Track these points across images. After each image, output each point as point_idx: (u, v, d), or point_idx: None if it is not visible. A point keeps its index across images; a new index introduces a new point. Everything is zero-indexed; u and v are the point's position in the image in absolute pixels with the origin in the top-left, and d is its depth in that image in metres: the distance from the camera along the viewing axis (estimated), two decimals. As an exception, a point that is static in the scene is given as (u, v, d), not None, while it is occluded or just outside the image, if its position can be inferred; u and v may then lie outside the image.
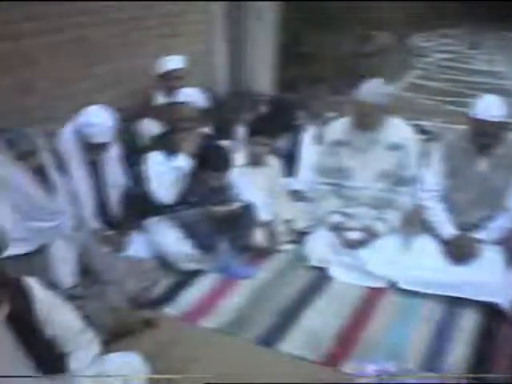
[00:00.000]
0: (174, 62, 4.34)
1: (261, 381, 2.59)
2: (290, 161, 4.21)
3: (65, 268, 2.94)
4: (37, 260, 2.89)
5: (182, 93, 3.57)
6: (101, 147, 3.40)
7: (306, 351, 2.86)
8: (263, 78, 5.49)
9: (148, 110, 4.32)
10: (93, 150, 3.41)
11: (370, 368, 2.72)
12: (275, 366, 2.78)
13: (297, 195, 4.09)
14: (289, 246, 3.84)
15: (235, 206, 3.55)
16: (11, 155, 2.73)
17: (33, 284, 2.17)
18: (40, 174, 2.83)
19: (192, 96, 3.49)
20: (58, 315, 2.25)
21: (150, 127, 4.26)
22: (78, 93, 4.22)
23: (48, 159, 2.94)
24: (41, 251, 2.93)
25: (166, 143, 3.62)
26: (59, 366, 2.29)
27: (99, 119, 3.29)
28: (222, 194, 3.59)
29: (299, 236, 3.87)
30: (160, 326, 3.05)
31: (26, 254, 2.86)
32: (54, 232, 2.97)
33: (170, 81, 4.32)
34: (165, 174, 3.51)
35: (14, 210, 2.81)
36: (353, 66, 5.93)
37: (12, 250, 2.65)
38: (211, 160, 3.49)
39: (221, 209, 3.49)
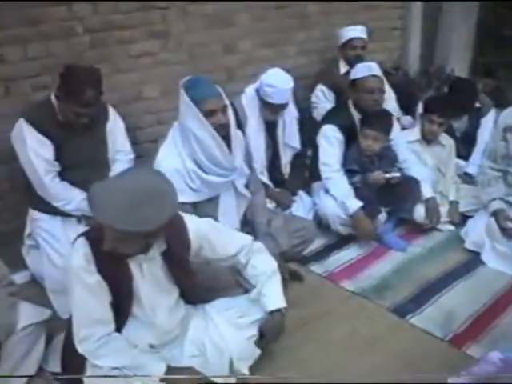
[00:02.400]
0: (355, 32, 4.44)
1: (381, 346, 2.79)
2: (466, 143, 4.15)
3: (228, 219, 3.14)
4: (203, 209, 3.06)
5: (363, 66, 3.70)
6: (278, 108, 3.66)
7: (436, 327, 2.91)
8: (457, 59, 5.33)
9: (326, 77, 4.50)
10: (271, 110, 3.67)
11: (495, 355, 2.69)
12: (400, 334, 2.89)
13: (467, 178, 4.05)
14: (449, 227, 3.84)
15: (394, 176, 3.59)
16: (200, 111, 2.85)
17: (188, 219, 2.43)
18: (223, 131, 2.92)
19: (372, 69, 3.60)
20: (215, 240, 2.50)
21: (321, 94, 4.48)
22: (275, 56, 4.51)
23: (232, 118, 3.02)
24: (209, 201, 3.12)
25: (341, 116, 3.75)
26: (200, 297, 2.67)
27: (278, 81, 3.53)
28: (383, 163, 3.67)
29: (462, 218, 3.85)
30: (305, 280, 3.34)
31: (194, 203, 3.06)
32: (224, 187, 3.13)
33: (351, 50, 4.44)
34: (334, 146, 3.67)
35: (193, 162, 2.99)
36: None
37: (183, 198, 2.88)
38: (370, 117, 3.58)
39: (378, 177, 3.58)
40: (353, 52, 4.42)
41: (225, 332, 2.55)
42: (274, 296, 2.59)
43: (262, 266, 2.63)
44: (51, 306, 3.02)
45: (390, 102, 4.49)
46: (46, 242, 3.19)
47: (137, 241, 2.16)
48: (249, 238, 2.68)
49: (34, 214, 3.27)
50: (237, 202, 3.23)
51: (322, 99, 4.51)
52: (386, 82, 4.04)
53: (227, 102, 2.96)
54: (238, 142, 3.08)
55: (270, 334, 2.58)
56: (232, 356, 2.50)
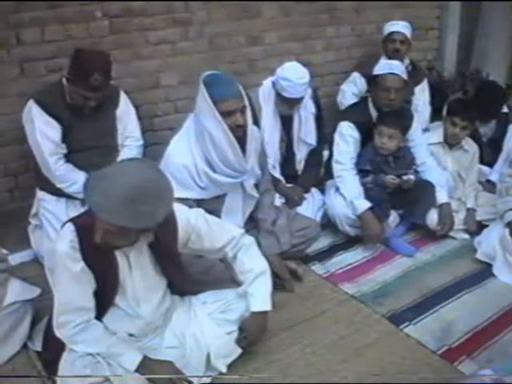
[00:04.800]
0: (395, 26, 4.38)
1: (369, 354, 2.70)
2: (493, 149, 3.98)
3: (231, 218, 3.07)
4: (208, 205, 2.94)
5: (386, 63, 3.62)
6: (294, 102, 3.58)
7: (430, 339, 2.78)
8: (495, 62, 5.12)
9: (364, 67, 4.42)
10: (286, 104, 3.60)
11: (487, 373, 2.58)
12: (391, 342, 2.78)
13: (489, 186, 3.88)
14: (464, 235, 3.69)
15: (409, 179, 3.50)
16: (218, 110, 2.76)
17: (177, 210, 2.38)
18: (239, 132, 2.85)
19: (393, 67, 3.51)
20: (204, 233, 2.46)
21: (352, 80, 4.45)
22: (301, 50, 4.49)
23: (249, 119, 2.91)
24: (214, 198, 3.04)
25: (359, 113, 3.67)
26: (188, 288, 2.63)
27: (293, 75, 3.45)
28: (399, 165, 3.57)
29: (478, 227, 3.67)
30: (304, 279, 3.26)
31: (198, 200, 2.98)
32: (232, 186, 3.05)
33: (390, 43, 4.37)
34: (349, 145, 3.58)
35: (204, 160, 2.92)
36: None
37: (189, 194, 2.90)
38: (387, 114, 3.49)
39: (392, 179, 3.49)
40: (392, 46, 4.37)
41: (205, 326, 2.52)
42: (259, 297, 2.54)
43: (251, 263, 2.58)
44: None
45: (422, 113, 4.43)
46: (48, 222, 3.25)
47: (130, 235, 2.16)
48: (239, 230, 2.64)
49: (40, 194, 3.33)
50: (243, 202, 3.17)
51: (351, 86, 4.48)
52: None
53: (246, 102, 2.87)
54: (253, 143, 3.00)
55: (250, 333, 2.54)
56: (210, 351, 2.47)
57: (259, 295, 2.54)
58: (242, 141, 2.90)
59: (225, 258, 2.65)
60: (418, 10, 4.97)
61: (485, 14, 5.19)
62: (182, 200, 2.68)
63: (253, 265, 2.58)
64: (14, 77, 3.39)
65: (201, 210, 2.57)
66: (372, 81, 3.68)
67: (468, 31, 5.30)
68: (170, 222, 2.33)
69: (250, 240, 2.64)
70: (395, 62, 3.70)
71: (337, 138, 3.64)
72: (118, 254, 2.29)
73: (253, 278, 2.55)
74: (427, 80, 4.65)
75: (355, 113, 3.70)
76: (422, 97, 4.53)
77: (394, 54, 4.28)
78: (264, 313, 2.55)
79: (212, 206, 2.99)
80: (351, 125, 3.58)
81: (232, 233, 2.59)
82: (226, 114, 2.77)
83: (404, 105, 3.80)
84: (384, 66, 3.62)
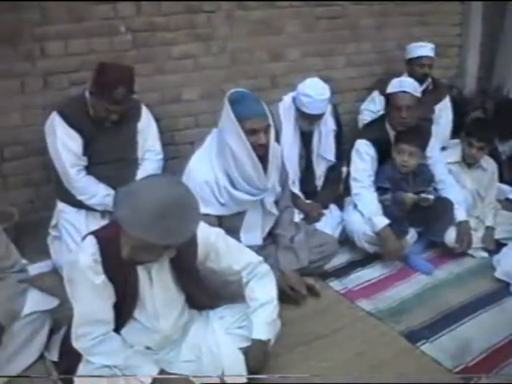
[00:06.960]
0: (424, 50, 4.36)
1: (385, 371, 2.66)
2: (511, 167, 3.96)
3: (250, 235, 3.11)
4: (228, 222, 3.00)
5: (397, 81, 3.62)
6: (314, 118, 3.59)
7: (446, 357, 2.76)
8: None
9: (384, 85, 4.39)
10: (306, 120, 3.62)
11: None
12: (407, 360, 2.76)
13: (508, 204, 3.87)
14: (482, 254, 3.66)
15: (427, 197, 3.49)
16: (242, 128, 2.77)
17: (199, 227, 2.32)
18: (261, 151, 2.85)
19: (404, 86, 3.52)
20: (223, 253, 2.47)
21: (372, 99, 4.48)
22: (323, 66, 4.52)
23: (273, 138, 2.91)
24: (235, 215, 3.05)
25: (376, 131, 3.67)
26: (206, 303, 2.63)
27: (314, 91, 3.47)
28: (417, 182, 3.57)
29: (496, 246, 3.66)
30: (321, 295, 3.24)
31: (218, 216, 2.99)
32: (252, 204, 3.06)
33: (419, 67, 4.36)
34: (366, 162, 3.58)
35: (225, 176, 2.92)
36: None
37: (210, 210, 2.90)
38: (406, 132, 3.49)
39: (411, 196, 3.49)
40: (420, 70, 4.36)
41: (221, 342, 2.51)
42: (259, 326, 2.53)
43: (260, 292, 2.57)
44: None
45: (443, 132, 4.42)
46: (68, 233, 3.27)
47: (157, 251, 2.16)
48: (257, 257, 2.62)
49: (60, 205, 3.36)
50: (263, 219, 3.17)
51: (370, 105, 4.50)
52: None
53: (271, 121, 2.89)
54: (274, 161, 3.01)
55: (250, 360, 2.51)
56: (224, 367, 2.45)
57: (259, 324, 2.53)
58: (263, 159, 2.90)
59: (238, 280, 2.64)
60: (439, 28, 4.97)
61: (507, 31, 5.17)
62: (203, 216, 2.67)
63: (261, 294, 2.57)
64: (38, 89, 3.46)
65: (221, 231, 2.57)
66: (385, 99, 3.68)
67: (489, 48, 5.29)
68: (191, 239, 2.31)
69: (265, 269, 2.63)
70: (407, 80, 3.69)
71: (354, 155, 3.64)
72: (140, 269, 2.30)
73: (257, 307, 2.55)
74: (450, 97, 4.64)
75: (372, 131, 3.71)
76: (443, 114, 4.52)
77: (421, 78, 4.24)
78: (262, 341, 2.53)
79: (232, 222, 3.02)
80: (368, 143, 3.58)
81: (250, 258, 2.59)
82: (249, 133, 2.77)
83: (421, 122, 3.77)
84: (395, 84, 3.60)
